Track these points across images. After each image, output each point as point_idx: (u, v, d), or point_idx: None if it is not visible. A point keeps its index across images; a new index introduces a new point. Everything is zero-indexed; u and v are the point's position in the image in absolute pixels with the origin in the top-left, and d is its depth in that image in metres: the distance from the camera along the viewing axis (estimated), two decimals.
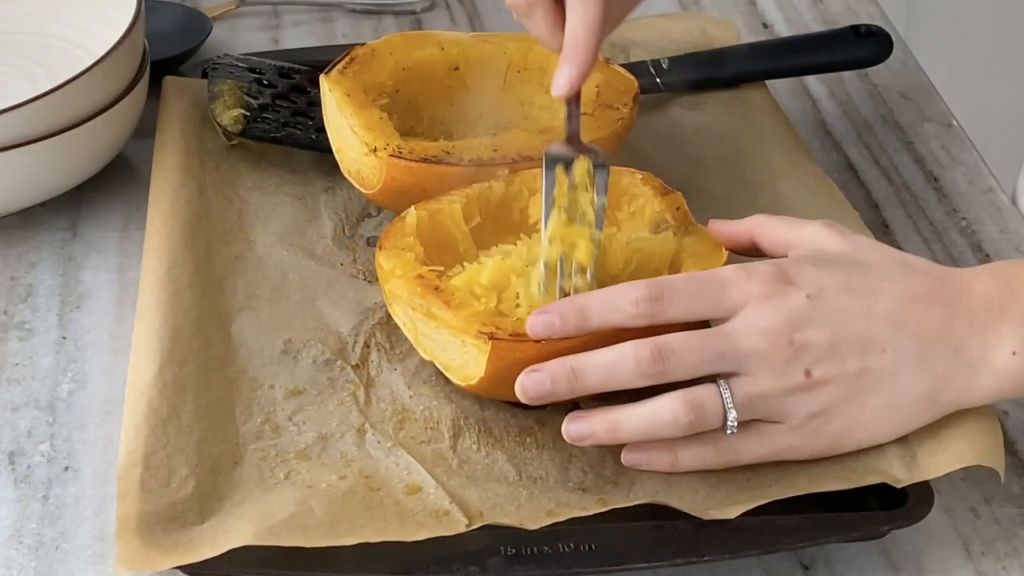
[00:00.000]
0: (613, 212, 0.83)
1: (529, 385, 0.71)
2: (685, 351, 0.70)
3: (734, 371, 0.71)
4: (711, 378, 0.71)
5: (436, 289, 0.75)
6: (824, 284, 0.72)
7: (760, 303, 0.71)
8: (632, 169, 0.85)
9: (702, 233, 0.81)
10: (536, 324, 0.71)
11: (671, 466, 0.72)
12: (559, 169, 0.77)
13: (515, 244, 0.79)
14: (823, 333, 0.71)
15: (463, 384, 0.75)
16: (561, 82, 0.77)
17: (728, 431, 0.71)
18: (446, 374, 0.76)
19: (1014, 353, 0.71)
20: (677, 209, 0.82)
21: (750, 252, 0.79)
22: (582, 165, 0.77)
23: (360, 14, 1.16)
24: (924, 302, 0.72)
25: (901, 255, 0.75)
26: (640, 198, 0.83)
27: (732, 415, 0.70)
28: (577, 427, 0.72)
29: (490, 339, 0.72)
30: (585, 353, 0.71)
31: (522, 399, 0.72)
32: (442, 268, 0.78)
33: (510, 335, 0.72)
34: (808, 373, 0.70)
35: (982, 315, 0.72)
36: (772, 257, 0.77)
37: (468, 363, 0.74)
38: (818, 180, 0.94)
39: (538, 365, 0.71)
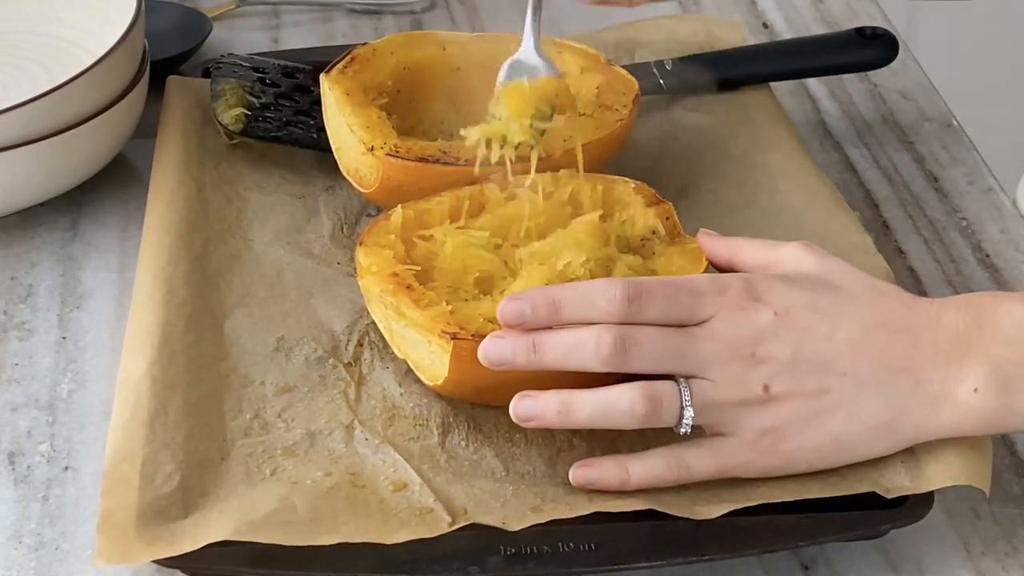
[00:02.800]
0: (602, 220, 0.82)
1: (490, 349, 0.71)
2: (648, 344, 0.70)
3: (693, 374, 0.71)
4: (669, 378, 0.71)
5: (408, 288, 0.75)
6: (792, 302, 0.72)
7: (729, 315, 0.71)
8: (626, 179, 0.84)
9: (687, 243, 0.81)
10: (506, 310, 0.71)
11: (621, 483, 0.71)
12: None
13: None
14: (785, 349, 0.70)
15: (431, 384, 0.75)
16: None
17: (682, 430, 0.70)
18: (417, 373, 0.76)
19: (976, 390, 0.70)
20: (667, 219, 0.82)
21: (727, 270, 0.79)
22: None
23: (360, 14, 1.17)
24: (889, 330, 0.71)
25: (873, 280, 0.74)
26: (631, 207, 0.83)
27: (688, 413, 0.70)
28: (527, 405, 0.71)
29: (452, 339, 0.72)
30: (549, 331, 0.71)
31: (482, 362, 0.71)
32: (419, 267, 0.78)
33: (473, 335, 0.72)
34: (766, 388, 0.70)
35: (946, 348, 0.71)
36: None
37: (435, 363, 0.74)
38: (818, 182, 0.93)
39: (502, 332, 0.71)
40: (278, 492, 0.71)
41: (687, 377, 0.71)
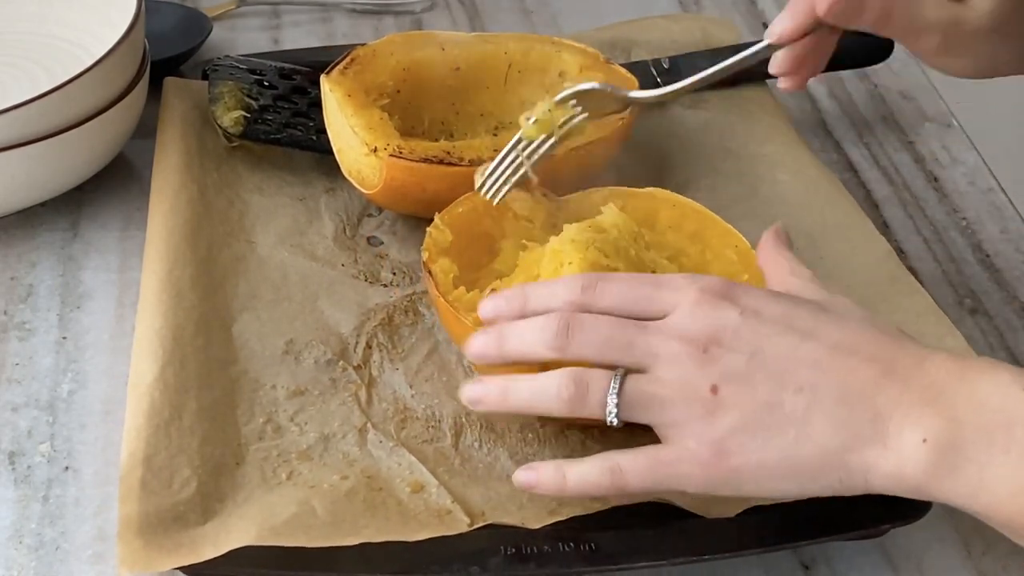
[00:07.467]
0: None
1: (472, 343, 0.71)
2: (593, 330, 0.68)
3: (641, 367, 0.68)
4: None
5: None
6: (764, 308, 0.68)
7: (690, 308, 0.68)
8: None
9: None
10: (485, 306, 0.72)
11: (558, 487, 0.69)
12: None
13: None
14: (742, 351, 0.66)
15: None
16: (772, 30, 0.78)
17: (608, 420, 0.68)
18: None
19: (924, 441, 0.64)
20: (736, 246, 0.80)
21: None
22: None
23: (360, 14, 1.17)
24: (861, 356, 0.66)
25: (872, 318, 0.69)
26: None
27: (612, 401, 0.67)
28: (473, 389, 0.71)
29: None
30: (514, 322, 0.71)
31: (469, 358, 0.72)
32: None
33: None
34: (714, 389, 0.66)
35: (916, 391, 0.65)
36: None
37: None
38: (816, 170, 0.94)
39: (484, 329, 0.72)
40: (296, 496, 0.71)
41: (633, 370, 0.68)
